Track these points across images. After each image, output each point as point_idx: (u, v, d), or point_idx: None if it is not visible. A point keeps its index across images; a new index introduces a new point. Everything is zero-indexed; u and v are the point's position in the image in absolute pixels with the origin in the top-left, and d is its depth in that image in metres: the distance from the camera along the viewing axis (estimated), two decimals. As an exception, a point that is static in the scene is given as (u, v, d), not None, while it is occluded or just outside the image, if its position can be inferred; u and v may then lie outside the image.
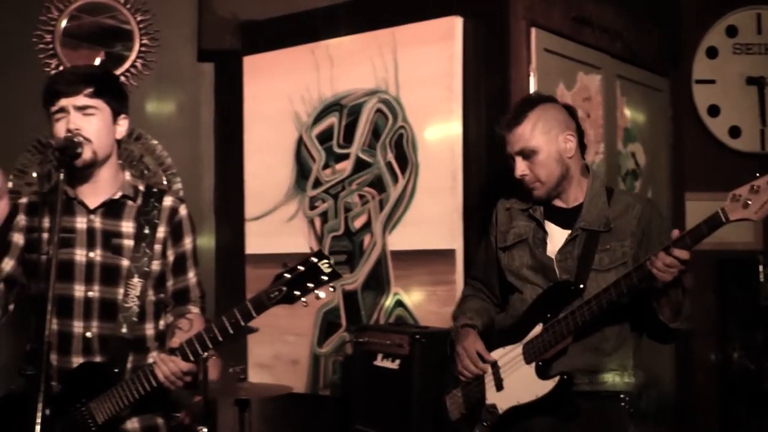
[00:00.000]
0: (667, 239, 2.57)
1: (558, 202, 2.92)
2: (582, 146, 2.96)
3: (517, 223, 2.98)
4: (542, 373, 2.78)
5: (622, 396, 2.81)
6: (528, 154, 2.84)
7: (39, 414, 2.18)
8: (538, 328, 2.79)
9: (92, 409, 2.55)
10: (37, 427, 2.17)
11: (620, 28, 4.37)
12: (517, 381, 2.83)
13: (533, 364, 2.79)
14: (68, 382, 2.57)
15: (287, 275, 2.48)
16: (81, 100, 2.63)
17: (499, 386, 2.87)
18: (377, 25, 4.08)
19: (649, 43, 4.71)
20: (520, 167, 2.86)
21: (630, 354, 2.84)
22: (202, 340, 2.53)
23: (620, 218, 2.83)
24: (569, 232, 2.86)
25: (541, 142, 2.83)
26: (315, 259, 2.48)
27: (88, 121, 2.63)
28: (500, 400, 2.86)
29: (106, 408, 2.55)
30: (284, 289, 2.47)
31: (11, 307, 2.77)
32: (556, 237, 2.89)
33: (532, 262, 2.91)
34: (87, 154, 2.61)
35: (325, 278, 2.47)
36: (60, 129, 2.61)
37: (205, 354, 2.56)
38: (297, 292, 2.48)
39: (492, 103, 3.77)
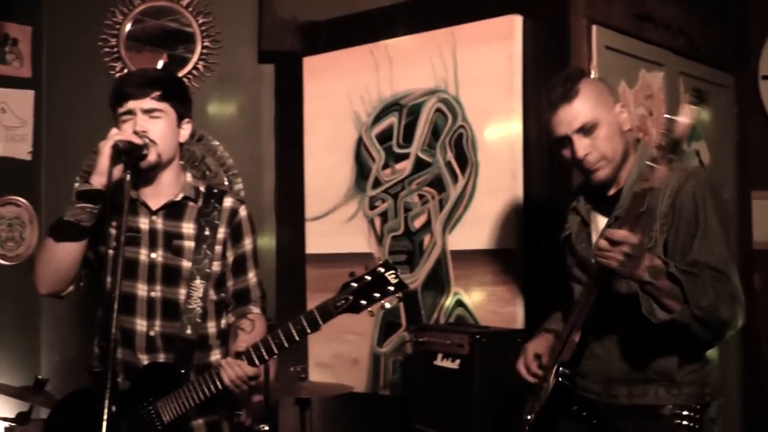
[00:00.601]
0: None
1: (612, 189, 2.67)
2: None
3: (569, 221, 2.83)
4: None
5: (670, 413, 2.52)
6: (589, 129, 2.55)
7: (106, 411, 2.21)
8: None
9: (159, 409, 2.60)
10: (104, 424, 2.20)
11: (683, 24, 4.30)
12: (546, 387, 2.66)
13: (555, 368, 2.61)
14: (136, 381, 2.62)
15: (354, 284, 2.51)
16: (148, 103, 2.67)
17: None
18: (436, 24, 4.07)
19: (713, 39, 4.63)
20: (582, 145, 2.56)
21: (675, 362, 2.55)
22: (268, 346, 2.55)
23: (655, 198, 2.45)
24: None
25: (601, 113, 2.57)
26: (382, 270, 2.51)
27: (154, 124, 2.67)
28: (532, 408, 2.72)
29: (172, 408, 2.59)
30: (351, 298, 2.51)
31: (82, 284, 2.80)
32: (601, 228, 2.66)
33: (577, 260, 2.75)
34: (152, 156, 2.65)
35: (392, 288, 2.50)
36: (127, 131, 2.65)
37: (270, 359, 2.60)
38: (363, 302, 2.51)
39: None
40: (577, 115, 2.56)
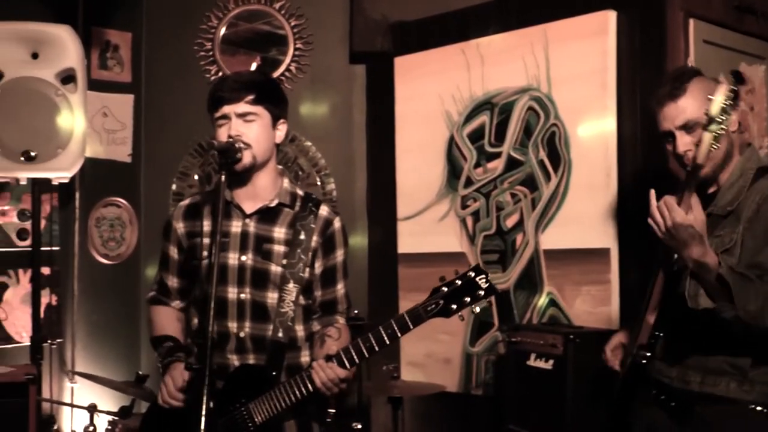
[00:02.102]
0: None
1: (712, 188, 2.69)
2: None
3: None
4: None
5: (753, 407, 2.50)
6: (692, 127, 2.59)
7: (204, 407, 2.26)
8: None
9: (251, 410, 2.63)
10: (203, 419, 2.25)
11: (786, 15, 4.17)
12: None
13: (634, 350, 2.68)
14: (229, 383, 2.66)
15: (444, 289, 2.52)
16: (242, 107, 2.70)
17: None
18: (528, 22, 4.04)
19: (818, 30, 4.47)
20: (684, 142, 2.61)
21: (749, 359, 2.52)
22: (359, 349, 2.57)
23: (746, 200, 2.56)
24: None
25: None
26: (472, 274, 2.52)
27: (248, 128, 2.70)
28: None
29: (264, 409, 2.62)
30: (441, 302, 2.51)
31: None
32: None
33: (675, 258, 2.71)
34: (247, 159, 2.68)
35: (482, 293, 2.51)
36: (222, 135, 2.69)
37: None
38: (453, 306, 2.52)
39: (647, 98, 3.65)
40: (682, 113, 2.62)
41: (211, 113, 2.75)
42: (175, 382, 2.66)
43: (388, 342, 2.55)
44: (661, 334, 2.64)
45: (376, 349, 2.56)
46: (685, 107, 2.62)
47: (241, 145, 2.65)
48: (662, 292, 2.60)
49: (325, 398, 2.87)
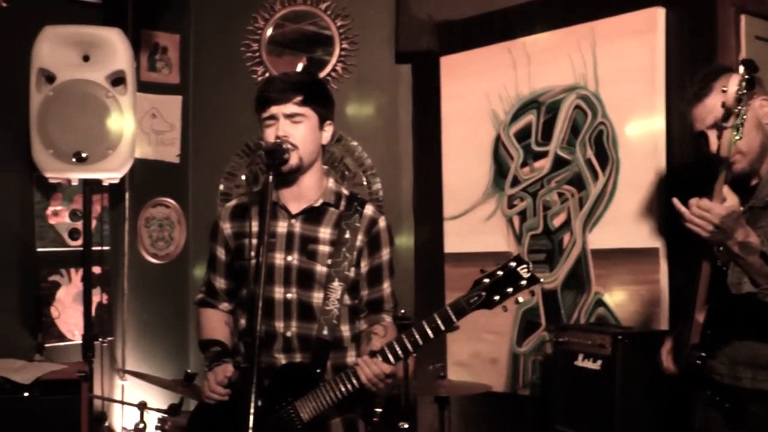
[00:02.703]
0: None
1: (754, 180, 2.69)
2: None
3: None
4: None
5: None
6: (722, 126, 2.59)
7: (252, 405, 2.28)
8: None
9: (298, 408, 2.65)
10: (251, 417, 2.26)
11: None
12: None
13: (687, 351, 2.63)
14: (275, 381, 2.68)
15: (486, 280, 2.52)
16: (290, 108, 2.71)
17: None
18: (575, 19, 4.01)
19: None
20: (715, 141, 2.62)
21: None
22: (402, 344, 2.57)
23: None
24: None
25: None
26: (514, 264, 2.51)
27: (295, 129, 2.72)
28: None
29: (311, 407, 2.64)
30: (483, 294, 2.51)
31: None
32: None
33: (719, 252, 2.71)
34: (293, 160, 2.70)
35: (524, 283, 2.50)
36: (269, 135, 2.72)
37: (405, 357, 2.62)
38: (496, 297, 2.51)
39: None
40: (710, 112, 2.63)
41: (258, 113, 2.77)
42: (217, 377, 2.70)
43: (432, 336, 2.55)
44: (710, 333, 2.61)
45: (420, 343, 2.56)
46: (713, 106, 2.61)
47: (289, 146, 2.67)
48: (708, 290, 2.58)
49: (371, 397, 2.88)
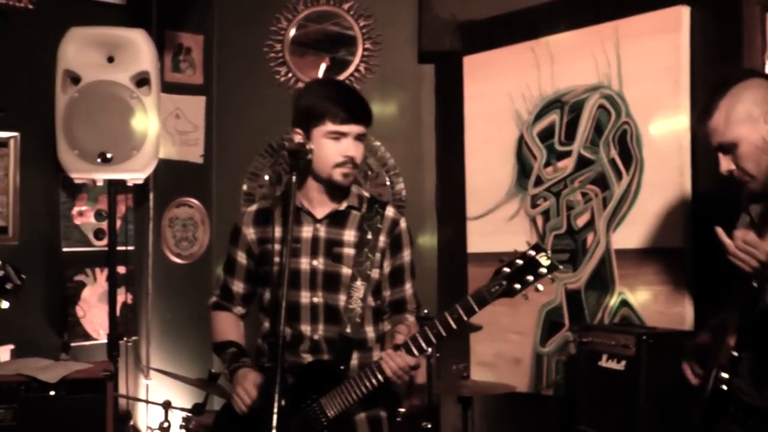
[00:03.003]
0: None
1: None
2: None
3: (740, 219, 2.73)
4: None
5: None
6: (728, 149, 2.56)
7: (276, 404, 2.29)
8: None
9: (323, 405, 2.66)
10: (274, 417, 2.27)
11: None
12: None
13: (714, 372, 2.58)
14: (300, 379, 2.69)
15: (506, 269, 2.51)
16: (362, 129, 2.76)
17: None
18: (598, 19, 3.99)
19: None
20: (724, 164, 2.58)
21: None
22: (425, 336, 2.58)
23: None
24: None
25: (739, 132, 2.52)
26: (533, 252, 2.50)
27: (358, 148, 2.75)
28: None
29: (336, 403, 2.65)
30: (504, 283, 2.51)
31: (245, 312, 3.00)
32: None
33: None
34: (352, 178, 2.77)
35: (544, 270, 2.49)
36: (332, 150, 2.71)
37: (429, 350, 2.62)
38: (517, 286, 2.51)
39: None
40: (714, 134, 2.58)
41: (321, 119, 2.71)
42: (249, 393, 2.69)
43: (454, 327, 2.55)
44: (738, 355, 2.55)
45: (443, 334, 2.56)
46: (715, 129, 2.57)
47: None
48: (739, 312, 2.53)
49: (396, 397, 2.89)
